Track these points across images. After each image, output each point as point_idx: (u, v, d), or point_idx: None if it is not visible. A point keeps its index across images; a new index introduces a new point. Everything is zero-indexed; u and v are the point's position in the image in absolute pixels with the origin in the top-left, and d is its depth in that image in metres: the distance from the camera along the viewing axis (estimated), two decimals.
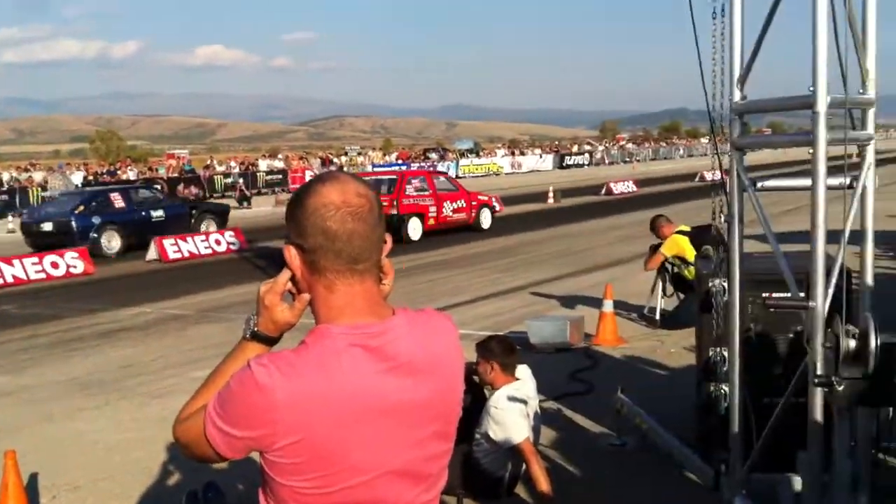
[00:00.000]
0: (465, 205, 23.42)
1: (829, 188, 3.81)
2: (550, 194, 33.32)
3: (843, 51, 3.77)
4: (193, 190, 39.50)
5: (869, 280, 4.17)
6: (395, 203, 21.09)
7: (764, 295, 5.18)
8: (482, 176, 55.02)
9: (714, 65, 4.36)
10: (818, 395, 3.71)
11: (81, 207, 21.42)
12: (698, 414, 5.95)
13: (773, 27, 4.13)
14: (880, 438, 4.73)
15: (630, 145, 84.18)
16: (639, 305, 11.30)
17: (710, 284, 5.62)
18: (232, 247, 21.25)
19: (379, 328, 1.80)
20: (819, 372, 3.46)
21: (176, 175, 44.16)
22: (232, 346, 1.96)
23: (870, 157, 4.09)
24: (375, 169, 50.09)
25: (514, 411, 5.15)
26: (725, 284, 5.12)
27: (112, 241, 21.14)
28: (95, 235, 20.73)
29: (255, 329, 1.91)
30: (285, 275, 1.87)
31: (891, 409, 5.68)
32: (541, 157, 65.61)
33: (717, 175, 4.87)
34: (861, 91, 4.06)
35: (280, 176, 47.46)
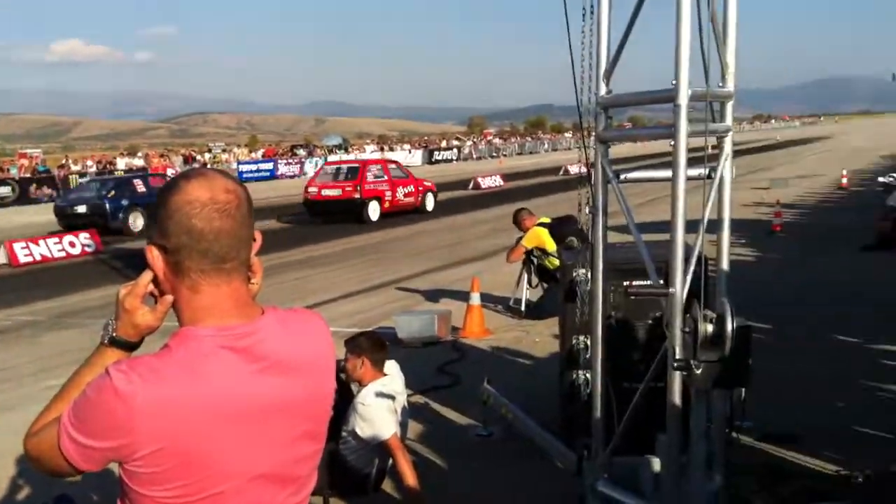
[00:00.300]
0: (413, 190, 25.98)
1: (689, 178, 3.91)
2: None
3: (706, 45, 3.86)
4: (46, 190, 37.70)
5: (725, 266, 4.31)
6: (357, 188, 23.88)
7: (625, 283, 5.34)
8: None
9: (582, 60, 4.41)
10: (677, 379, 3.81)
11: (112, 192, 24.62)
12: (562, 401, 6.06)
13: (640, 23, 4.21)
14: (733, 418, 4.93)
15: (497, 140, 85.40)
16: (505, 297, 11.45)
17: (574, 274, 5.73)
18: (87, 249, 20.43)
19: (247, 329, 1.73)
20: (678, 356, 3.55)
21: (28, 175, 41.88)
22: (89, 353, 1.85)
23: (728, 148, 4.22)
24: (240, 165, 49.31)
25: (381, 407, 5.10)
26: (588, 274, 5.22)
27: (137, 221, 23.88)
28: (123, 216, 23.91)
29: (114, 334, 1.81)
30: (146, 276, 1.77)
31: (743, 389, 5.96)
32: (410, 152, 65.74)
33: (582, 169, 4.94)
34: (721, 84, 4.17)
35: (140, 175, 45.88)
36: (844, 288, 11.53)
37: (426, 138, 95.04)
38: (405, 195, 25.52)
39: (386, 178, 25.06)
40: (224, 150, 63.26)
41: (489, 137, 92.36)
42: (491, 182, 37.41)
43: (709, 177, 4.08)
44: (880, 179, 16.11)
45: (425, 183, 26.86)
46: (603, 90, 4.23)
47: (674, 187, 3.76)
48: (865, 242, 14.54)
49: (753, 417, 6.06)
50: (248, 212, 1.74)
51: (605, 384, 4.58)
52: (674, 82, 3.71)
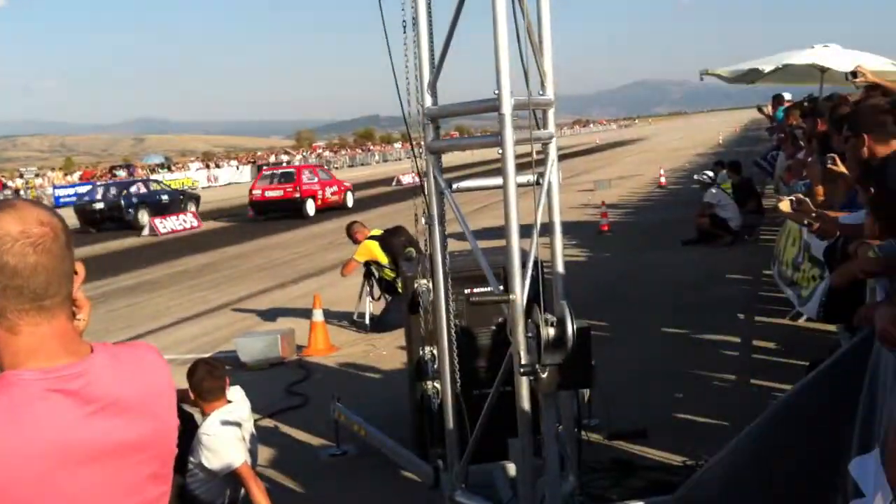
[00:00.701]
0: (337, 189, 29.97)
1: (519, 185, 4.00)
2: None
3: (524, 55, 3.97)
4: None
5: (561, 269, 4.43)
6: (297, 188, 28.02)
7: (467, 291, 5.41)
8: None
9: (406, 72, 4.43)
10: (524, 384, 3.89)
11: (125, 191, 31.21)
12: (414, 413, 6.07)
13: (462, 34, 4.27)
14: (581, 418, 5.07)
15: (327, 153, 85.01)
16: (349, 311, 11.37)
17: (416, 285, 5.75)
18: None
19: (77, 369, 1.60)
20: (524, 361, 3.62)
21: None
22: None
23: (553, 153, 4.35)
24: (56, 190, 47.05)
25: (228, 436, 4.95)
26: (430, 284, 5.25)
27: (143, 216, 29.75)
28: (132, 211, 30.10)
29: None
30: None
31: (588, 389, 6.15)
32: (238, 168, 64.41)
33: (415, 179, 4.97)
34: (541, 92, 4.30)
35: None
36: (670, 282, 12.09)
37: (254, 154, 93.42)
38: (332, 193, 29.52)
39: (316, 179, 29.43)
40: (37, 175, 59.85)
41: (318, 151, 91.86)
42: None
43: (537, 183, 4.19)
44: (695, 177, 16.99)
45: (345, 184, 31.29)
46: (429, 101, 4.27)
47: (505, 195, 3.84)
48: (686, 237, 15.32)
49: (599, 415, 6.28)
50: (66, 244, 1.62)
51: (455, 393, 4.63)
52: (496, 92, 3.79)
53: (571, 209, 22.41)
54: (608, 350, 8.55)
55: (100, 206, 30.45)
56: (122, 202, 30.21)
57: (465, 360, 5.40)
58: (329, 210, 28.66)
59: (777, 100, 14.81)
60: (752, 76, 13.37)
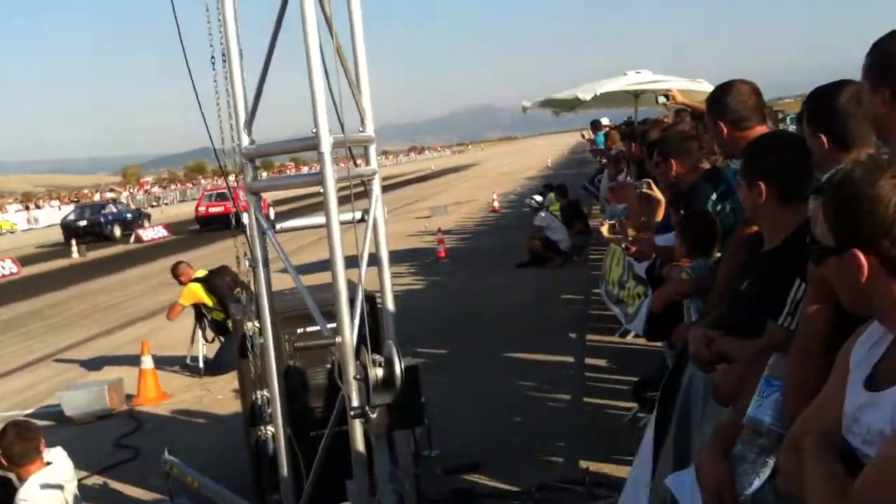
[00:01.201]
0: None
1: (343, 223, 3.95)
2: (74, 248, 31.28)
3: (336, 95, 3.92)
4: None
5: (390, 307, 4.40)
6: (236, 204, 30.72)
7: (300, 331, 5.31)
8: None
9: (219, 110, 4.32)
10: (357, 425, 3.82)
11: (104, 210, 38.38)
12: (251, 459, 5.87)
13: (281, 71, 4.20)
14: (419, 451, 5.05)
15: (156, 189, 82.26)
16: (181, 355, 10.96)
17: (245, 328, 5.59)
18: None
19: None
20: (354, 404, 3.56)
21: None
22: None
23: (377, 189, 4.33)
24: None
25: (47, 500, 4.63)
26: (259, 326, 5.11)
27: (116, 230, 36.81)
28: (109, 227, 36.78)
29: None
30: None
31: (426, 421, 6.13)
32: (59, 208, 61.32)
33: (244, 217, 4.84)
34: (361, 129, 4.28)
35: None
36: (506, 305, 12.30)
37: (77, 193, 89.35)
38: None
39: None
40: None
41: (146, 186, 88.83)
42: (154, 233, 35.89)
43: (362, 219, 4.16)
44: (527, 201, 17.46)
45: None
46: (246, 141, 4.17)
47: (329, 234, 3.79)
48: (519, 260, 15.66)
49: (440, 446, 6.28)
50: None
51: (288, 437, 4.51)
52: (314, 130, 3.74)
53: (409, 237, 22.56)
54: (448, 376, 8.61)
55: (83, 223, 36.03)
56: (102, 220, 35.71)
57: (300, 401, 5.29)
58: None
59: (595, 125, 15.42)
60: (572, 104, 13.90)
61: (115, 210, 39.68)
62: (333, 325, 3.94)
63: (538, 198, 16.84)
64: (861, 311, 1.97)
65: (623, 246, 5.41)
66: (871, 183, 1.82)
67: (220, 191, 36.67)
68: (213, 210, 34.96)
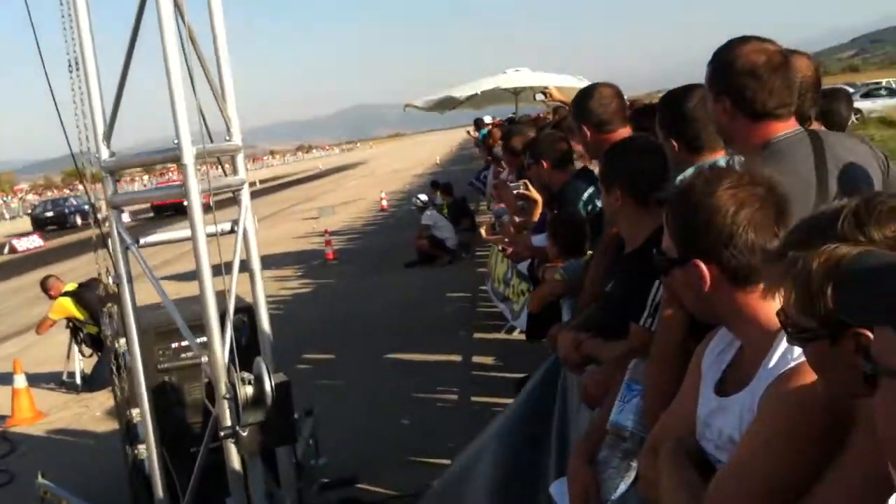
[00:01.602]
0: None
1: (210, 235, 3.84)
2: None
3: (202, 103, 3.80)
4: None
5: (265, 319, 4.30)
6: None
7: (175, 345, 5.13)
8: None
9: (77, 121, 4.13)
10: (231, 444, 3.72)
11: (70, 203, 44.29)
12: (128, 481, 5.67)
13: (144, 77, 4.05)
14: (304, 463, 4.96)
15: (32, 196, 79.00)
16: (58, 372, 10.52)
17: (116, 345, 5.39)
18: None
19: None
20: (225, 424, 3.46)
21: None
22: None
23: (245, 200, 4.22)
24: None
25: None
26: None
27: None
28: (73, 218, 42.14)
29: None
30: None
31: (312, 430, 6.05)
32: None
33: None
34: (227, 138, 4.16)
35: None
36: (395, 306, 12.27)
37: None
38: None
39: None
40: None
41: (20, 194, 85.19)
42: (29, 243, 34.40)
43: (232, 231, 4.05)
44: (413, 200, 17.45)
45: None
46: (105, 153, 3.99)
47: (195, 248, 3.66)
48: (408, 260, 15.65)
49: (329, 453, 6.19)
50: None
51: (161, 455, 4.35)
52: (176, 141, 3.62)
53: (297, 238, 22.26)
54: (336, 381, 8.53)
55: (49, 214, 42.16)
56: (66, 210, 41.09)
57: (177, 417, 5.13)
58: None
59: (478, 123, 15.50)
60: (451, 103, 13.96)
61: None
62: (204, 338, 3.83)
63: (423, 197, 16.86)
64: (708, 318, 2.01)
65: (499, 247, 5.44)
66: (710, 193, 1.85)
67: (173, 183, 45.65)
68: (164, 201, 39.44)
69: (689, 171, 3.11)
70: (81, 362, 10.26)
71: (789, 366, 1.69)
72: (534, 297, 4.73)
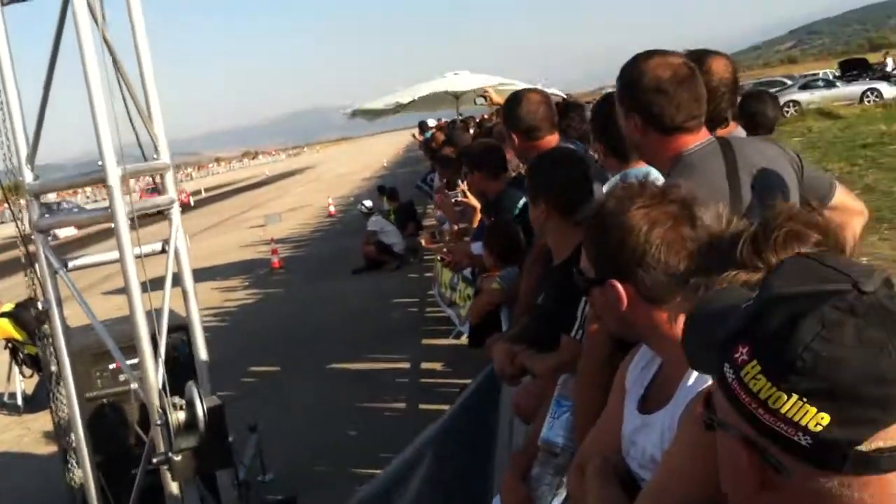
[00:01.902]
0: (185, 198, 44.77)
1: (139, 257, 3.77)
2: None
3: (126, 121, 3.74)
4: None
5: (200, 341, 4.23)
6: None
7: (112, 366, 5.04)
8: None
9: (5, 141, 4.02)
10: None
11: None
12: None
13: (70, 93, 3.96)
14: (248, 481, 4.90)
15: None
16: None
17: (52, 368, 5.27)
18: None
19: None
20: (158, 450, 3.40)
21: None
22: None
23: (176, 219, 4.15)
24: None
25: None
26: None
27: None
28: None
29: None
30: None
31: (258, 446, 5.98)
32: None
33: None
34: (155, 157, 4.09)
35: None
36: (342, 314, 12.18)
37: None
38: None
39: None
40: None
41: None
42: None
43: (163, 250, 3.98)
44: (358, 207, 17.36)
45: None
46: (29, 177, 3.90)
47: (124, 272, 3.59)
48: (355, 266, 15.57)
49: (275, 468, 6.13)
50: None
51: (97, 479, 4.26)
52: (100, 163, 3.55)
53: (243, 248, 22.03)
54: (282, 394, 8.45)
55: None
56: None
57: (117, 439, 5.03)
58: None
59: (422, 126, 15.47)
60: (392, 109, 13.93)
61: None
62: (136, 360, 3.76)
63: (368, 203, 16.81)
64: (628, 337, 2.01)
65: (438, 257, 5.44)
66: (622, 212, 1.85)
67: (150, 187, 46.32)
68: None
69: (615, 180, 3.14)
70: (22, 383, 10.04)
71: (708, 384, 1.69)
72: (473, 307, 4.72)
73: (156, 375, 3.57)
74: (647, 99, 2.45)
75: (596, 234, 1.92)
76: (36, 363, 9.84)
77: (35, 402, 9.68)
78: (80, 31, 3.50)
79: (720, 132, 3.14)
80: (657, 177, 2.57)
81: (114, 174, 3.59)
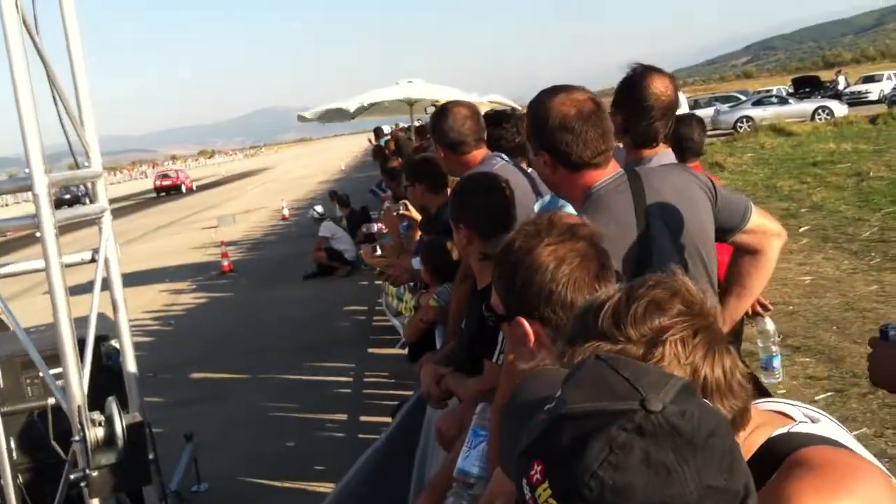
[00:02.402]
0: (189, 181, 61.77)
1: (71, 265, 3.69)
2: None
3: (56, 129, 3.66)
4: None
5: (129, 354, 4.15)
6: (178, 177, 61.61)
7: (42, 374, 4.92)
8: None
9: None
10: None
11: None
12: None
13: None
14: (181, 494, 4.83)
15: None
16: None
17: None
18: None
19: None
20: (77, 467, 3.32)
21: None
22: None
23: (107, 228, 4.08)
24: None
25: None
26: None
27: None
28: None
29: None
30: None
31: (191, 455, 5.90)
32: None
33: None
34: (87, 164, 4.01)
35: None
36: (290, 321, 12.06)
37: None
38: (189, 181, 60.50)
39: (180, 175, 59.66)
40: None
41: None
42: None
43: (93, 260, 3.91)
44: (310, 213, 17.25)
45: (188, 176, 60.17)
46: None
47: (50, 282, 3.50)
48: (306, 272, 15.47)
49: (210, 479, 6.05)
50: None
51: (20, 490, 4.18)
52: (27, 171, 3.47)
53: (193, 249, 21.78)
54: (223, 403, 8.35)
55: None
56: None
57: (44, 449, 4.92)
58: None
59: (377, 132, 15.43)
60: (344, 115, 13.86)
61: None
62: (59, 370, 3.68)
63: (319, 209, 16.72)
64: None
65: (377, 270, 5.41)
66: (529, 250, 1.84)
67: (164, 171, 65.51)
68: (164, 183, 59.22)
69: (546, 200, 3.14)
70: None
71: None
72: (409, 325, 4.69)
73: (79, 387, 3.49)
74: (555, 137, 2.45)
75: (503, 271, 1.90)
76: None
77: None
78: (8, 31, 3.41)
79: (647, 152, 3.16)
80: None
81: (41, 182, 3.50)
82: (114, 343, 4.83)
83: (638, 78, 3.16)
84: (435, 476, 2.68)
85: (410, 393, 7.17)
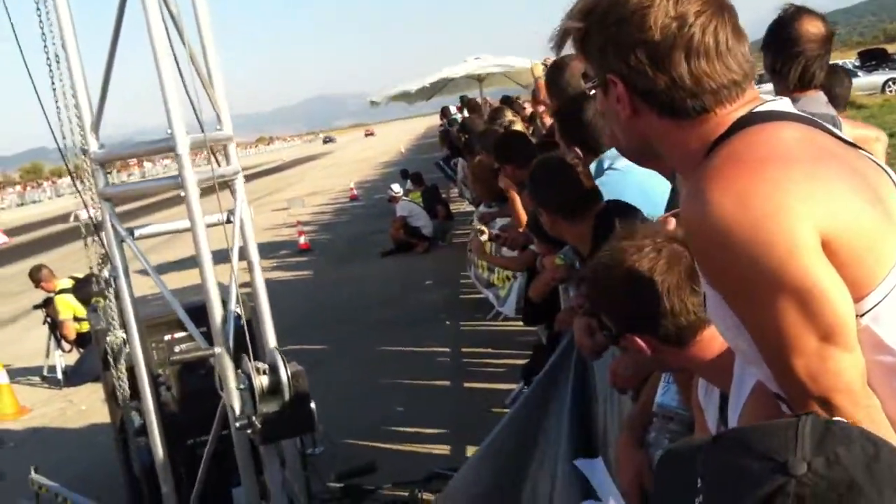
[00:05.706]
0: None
1: (209, 226, 3.78)
2: None
3: (192, 93, 3.72)
4: None
5: (266, 310, 4.24)
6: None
7: (168, 338, 5.06)
8: None
9: (59, 112, 4.02)
10: (242, 434, 3.68)
11: None
12: (125, 476, 5.57)
13: (132, 66, 3.97)
14: (305, 451, 4.93)
15: None
16: (38, 366, 10.37)
17: (108, 339, 5.29)
18: None
19: None
20: (238, 415, 3.41)
21: None
22: None
23: (240, 190, 4.16)
24: None
25: None
26: (125, 335, 4.84)
27: None
28: None
29: None
30: None
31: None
32: None
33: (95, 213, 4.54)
34: (219, 127, 4.09)
35: None
36: (374, 295, 12.17)
37: None
38: None
39: None
40: None
41: None
42: None
43: (228, 221, 3.99)
44: (389, 191, 17.35)
45: None
46: (94, 145, 3.90)
47: (196, 240, 3.60)
48: (384, 248, 15.57)
49: (323, 442, 6.14)
50: None
51: (165, 450, 4.29)
52: (169, 131, 3.56)
53: (266, 230, 22.01)
54: (321, 371, 8.48)
55: None
56: None
57: (171, 410, 5.06)
58: None
59: (444, 112, 15.38)
60: (418, 96, 13.86)
61: None
62: (203, 329, 3.78)
63: (396, 187, 16.81)
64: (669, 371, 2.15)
65: (494, 234, 5.47)
66: (620, 264, 1.86)
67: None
68: None
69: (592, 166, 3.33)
70: (62, 357, 10.13)
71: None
72: (535, 286, 4.65)
73: (228, 347, 3.58)
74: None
75: (600, 293, 1.94)
76: (82, 337, 9.87)
77: (76, 376, 9.77)
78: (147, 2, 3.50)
79: (798, 93, 3.13)
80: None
81: (183, 143, 3.60)
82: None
83: (789, 19, 3.12)
84: (630, 413, 2.66)
85: (510, 361, 7.22)
